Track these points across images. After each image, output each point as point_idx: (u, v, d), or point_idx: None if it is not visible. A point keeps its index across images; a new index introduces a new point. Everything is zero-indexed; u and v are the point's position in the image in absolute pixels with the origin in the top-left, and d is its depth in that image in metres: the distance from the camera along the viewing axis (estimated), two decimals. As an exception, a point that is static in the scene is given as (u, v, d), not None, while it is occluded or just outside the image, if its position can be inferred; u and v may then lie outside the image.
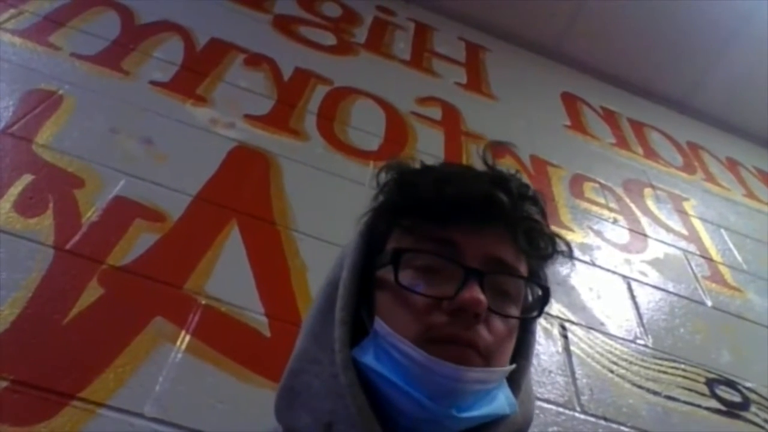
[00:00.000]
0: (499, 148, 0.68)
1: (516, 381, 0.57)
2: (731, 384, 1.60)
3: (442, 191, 0.56)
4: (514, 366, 0.56)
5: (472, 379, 0.50)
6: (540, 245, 0.59)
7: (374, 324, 0.54)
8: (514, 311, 0.56)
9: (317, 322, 0.58)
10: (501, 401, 0.54)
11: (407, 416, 0.51)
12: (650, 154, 2.70)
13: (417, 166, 0.64)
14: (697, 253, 2.12)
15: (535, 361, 1.42)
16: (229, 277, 1.28)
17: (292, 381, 0.56)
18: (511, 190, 0.57)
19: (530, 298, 0.60)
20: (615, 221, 2.12)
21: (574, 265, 1.78)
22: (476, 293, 0.51)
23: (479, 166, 0.63)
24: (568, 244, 0.62)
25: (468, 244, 0.54)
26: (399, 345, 0.51)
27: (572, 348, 1.51)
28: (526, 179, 0.63)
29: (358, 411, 0.50)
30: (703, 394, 1.54)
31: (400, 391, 0.50)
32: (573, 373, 1.45)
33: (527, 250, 0.57)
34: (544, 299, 0.59)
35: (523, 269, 0.58)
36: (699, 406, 1.50)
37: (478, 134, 2.22)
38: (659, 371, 1.56)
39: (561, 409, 1.35)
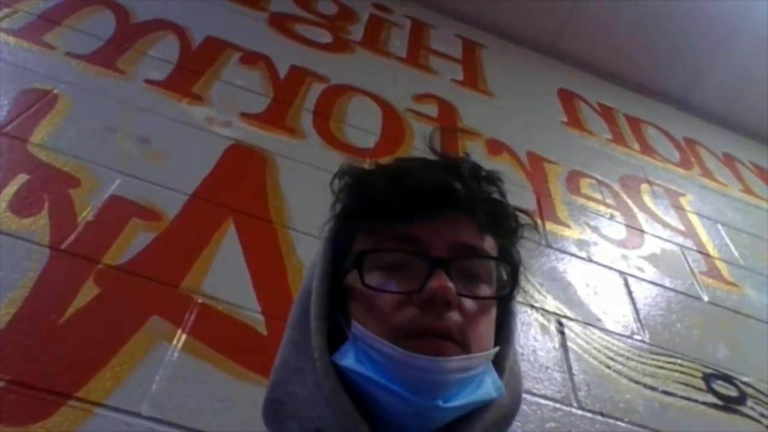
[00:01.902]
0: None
1: (500, 364, 0.57)
2: (728, 379, 1.61)
3: (394, 187, 0.56)
4: (496, 349, 0.56)
5: (451, 369, 0.50)
6: (502, 222, 0.59)
7: (352, 328, 0.54)
8: (487, 291, 0.56)
9: (296, 332, 0.58)
10: (487, 386, 0.54)
11: (394, 413, 0.51)
12: (647, 150, 2.70)
13: (368, 167, 0.63)
14: (694, 248, 2.12)
15: (532, 357, 1.44)
16: (225, 276, 1.28)
17: (276, 392, 0.56)
18: (462, 174, 0.57)
19: (505, 277, 0.60)
20: (612, 217, 2.12)
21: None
22: (443, 281, 0.51)
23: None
24: (532, 218, 0.62)
25: (430, 235, 0.54)
26: (376, 345, 0.51)
27: (569, 344, 1.52)
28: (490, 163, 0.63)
29: (345, 414, 0.50)
30: (699, 389, 1.54)
31: (383, 389, 0.50)
32: (570, 369, 1.45)
33: (490, 229, 0.57)
34: (514, 276, 0.59)
35: (491, 249, 0.58)
36: (696, 401, 1.51)
37: (475, 131, 2.22)
38: (656, 367, 1.56)
39: (558, 405, 1.35)
